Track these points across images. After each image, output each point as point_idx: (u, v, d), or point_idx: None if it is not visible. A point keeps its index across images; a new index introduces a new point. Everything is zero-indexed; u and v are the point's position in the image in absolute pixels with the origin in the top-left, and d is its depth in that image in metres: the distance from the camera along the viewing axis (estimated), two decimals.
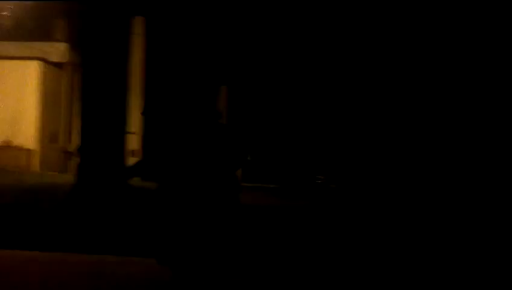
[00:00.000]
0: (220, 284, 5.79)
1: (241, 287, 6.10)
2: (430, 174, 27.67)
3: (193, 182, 8.56)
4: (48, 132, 23.42)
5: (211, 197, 7.98)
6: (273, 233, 9.52)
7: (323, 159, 44.10)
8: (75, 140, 24.51)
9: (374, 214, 14.57)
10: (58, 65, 23.92)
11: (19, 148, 22.02)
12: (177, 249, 7.19)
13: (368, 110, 38.44)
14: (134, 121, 26.89)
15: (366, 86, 35.31)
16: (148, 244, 7.32)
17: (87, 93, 10.20)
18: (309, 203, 18.17)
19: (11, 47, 22.41)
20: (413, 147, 35.11)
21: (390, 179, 31.45)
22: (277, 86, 41.82)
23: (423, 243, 9.32)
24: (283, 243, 8.73)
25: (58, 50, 23.90)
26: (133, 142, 27.33)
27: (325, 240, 9.36)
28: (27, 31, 22.44)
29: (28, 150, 22.18)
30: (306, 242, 9.01)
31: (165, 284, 5.84)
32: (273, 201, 18.08)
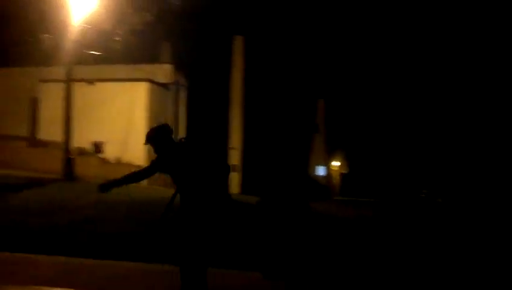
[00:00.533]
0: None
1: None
2: None
3: (295, 194, 8.64)
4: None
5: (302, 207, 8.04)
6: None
7: (427, 172, 42.45)
8: None
9: (484, 229, 13.83)
10: (164, 85, 25.20)
11: (129, 165, 23.31)
12: (285, 265, 7.31)
13: (476, 123, 36.56)
14: (235, 136, 27.65)
15: (473, 97, 33.68)
16: (252, 258, 7.49)
17: (192, 111, 10.62)
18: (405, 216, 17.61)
19: (121, 70, 23.94)
20: None
21: (498, 193, 29.64)
22: (378, 99, 41.01)
23: None
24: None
25: (164, 71, 25.24)
26: (234, 157, 28.11)
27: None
28: (135, 54, 23.80)
29: (137, 167, 23.41)
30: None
31: None
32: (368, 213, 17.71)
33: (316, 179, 29.04)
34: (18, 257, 6.84)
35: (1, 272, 5.64)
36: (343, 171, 47.18)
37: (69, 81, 17.07)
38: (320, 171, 38.16)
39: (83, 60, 20.09)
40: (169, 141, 5.05)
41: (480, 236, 12.34)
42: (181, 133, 25.57)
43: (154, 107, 24.37)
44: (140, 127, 23.85)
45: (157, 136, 5.11)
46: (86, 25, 17.42)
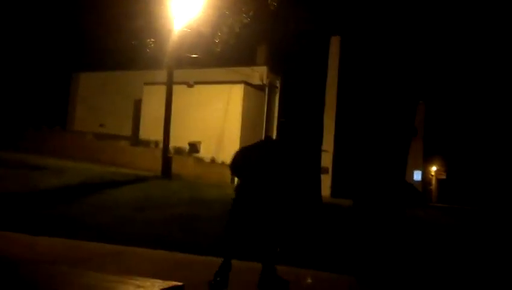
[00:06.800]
0: None
1: None
2: None
3: (389, 199, 8.46)
4: None
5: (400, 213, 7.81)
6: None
7: None
8: None
9: None
10: (258, 87, 25.61)
11: (223, 164, 23.92)
12: (379, 269, 7.20)
13: None
14: (327, 139, 27.49)
15: None
16: (346, 262, 7.44)
17: (286, 112, 10.73)
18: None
19: (218, 72, 24.63)
20: None
21: None
22: (481, 103, 38.90)
23: None
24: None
25: (258, 73, 25.69)
26: (325, 159, 27.95)
27: None
28: (232, 57, 24.34)
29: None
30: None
31: None
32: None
33: (412, 184, 28.06)
34: (120, 250, 7.27)
35: (105, 263, 6.05)
36: (441, 177, 45.38)
37: (170, 84, 17.83)
38: (417, 176, 36.98)
39: (184, 63, 20.89)
40: None
41: None
42: (273, 134, 25.86)
43: (248, 109, 24.80)
44: (234, 128, 24.42)
45: None
46: (186, 29, 18.09)
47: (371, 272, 7.04)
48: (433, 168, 44.03)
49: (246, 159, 5.42)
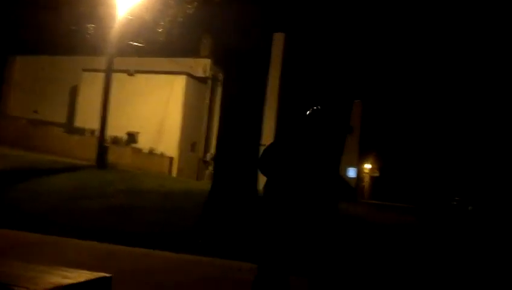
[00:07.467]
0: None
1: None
2: None
3: (322, 193, 8.65)
4: (188, 142, 24.98)
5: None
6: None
7: (460, 180, 41.69)
8: (213, 150, 25.86)
9: None
10: (201, 80, 25.47)
11: (162, 156, 23.72)
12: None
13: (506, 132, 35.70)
14: (267, 134, 27.73)
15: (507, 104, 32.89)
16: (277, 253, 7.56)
17: (226, 106, 10.73)
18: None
19: (160, 62, 24.28)
20: None
21: None
22: (416, 104, 40.40)
23: None
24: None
25: (202, 65, 25.53)
26: None
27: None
28: (175, 48, 24.05)
29: (169, 158, 23.84)
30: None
31: None
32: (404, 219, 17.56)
33: (344, 179, 28.77)
34: (49, 240, 7.11)
35: (32, 253, 5.90)
36: (374, 175, 46.79)
37: (109, 71, 17.42)
38: (351, 172, 37.94)
39: (125, 51, 20.45)
40: None
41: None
42: (215, 127, 25.82)
43: (190, 101, 24.65)
44: (175, 119, 24.21)
45: None
46: (129, 17, 17.72)
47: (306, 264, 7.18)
48: (367, 166, 45.31)
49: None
